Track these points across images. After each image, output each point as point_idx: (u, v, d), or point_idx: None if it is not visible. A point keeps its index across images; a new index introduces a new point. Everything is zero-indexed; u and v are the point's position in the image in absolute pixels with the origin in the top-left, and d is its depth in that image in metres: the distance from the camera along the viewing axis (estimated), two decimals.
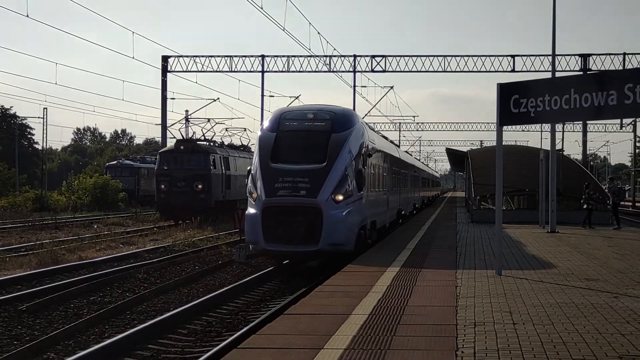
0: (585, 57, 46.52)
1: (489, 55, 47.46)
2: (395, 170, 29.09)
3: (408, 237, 23.01)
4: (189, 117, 53.47)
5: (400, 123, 79.20)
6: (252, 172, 18.46)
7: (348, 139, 18.60)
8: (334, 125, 18.86)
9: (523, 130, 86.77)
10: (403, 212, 32.70)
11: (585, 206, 30.29)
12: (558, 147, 36.66)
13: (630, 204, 68.41)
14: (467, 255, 17.93)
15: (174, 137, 46.58)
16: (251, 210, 17.99)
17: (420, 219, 36.03)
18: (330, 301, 11.20)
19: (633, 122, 74.92)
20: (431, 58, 48.39)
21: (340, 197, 17.69)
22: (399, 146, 39.91)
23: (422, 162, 73.72)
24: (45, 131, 74.75)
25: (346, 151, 18.37)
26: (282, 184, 17.67)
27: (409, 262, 16.07)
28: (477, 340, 8.44)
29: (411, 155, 56.57)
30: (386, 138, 32.74)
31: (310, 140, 18.64)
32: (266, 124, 19.58)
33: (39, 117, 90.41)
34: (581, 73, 41.28)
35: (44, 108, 73.30)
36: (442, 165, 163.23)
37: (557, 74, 30.24)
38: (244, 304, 15.44)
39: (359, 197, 18.58)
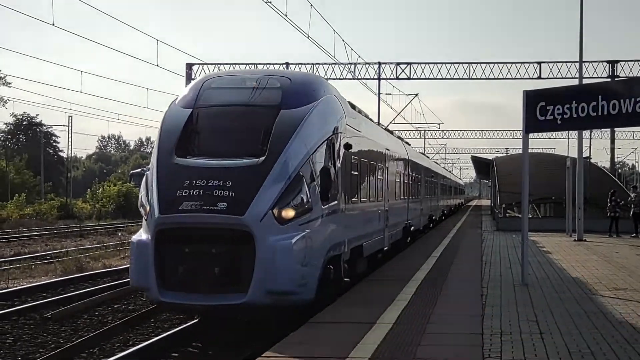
0: (613, 63, 46.10)
1: (515, 62, 47.14)
2: (400, 173, 22.59)
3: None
4: None
5: (425, 130, 78.89)
6: (148, 172, 11.95)
7: (307, 118, 11.85)
8: (285, 98, 12.14)
9: (549, 138, 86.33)
10: (413, 227, 25.11)
11: (609, 214, 30.10)
12: (585, 154, 36.44)
13: None
14: (493, 264, 17.79)
15: None
16: (141, 236, 11.27)
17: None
18: None
19: None
20: (456, 65, 48.17)
21: (290, 213, 10.92)
22: (409, 144, 32.41)
23: (444, 168, 71.23)
24: (70, 139, 75.52)
25: (303, 138, 11.60)
26: (189, 192, 10.91)
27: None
28: (504, 350, 8.33)
29: (428, 157, 47.47)
30: (391, 132, 25.74)
31: (244, 121, 11.91)
32: (181, 96, 12.85)
33: (64, 125, 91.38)
34: (609, 80, 40.92)
35: (69, 116, 73.97)
36: (467, 173, 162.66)
37: (585, 81, 30.03)
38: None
39: (325, 211, 11.83)
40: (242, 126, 11.85)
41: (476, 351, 8.26)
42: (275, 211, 10.80)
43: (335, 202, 12.39)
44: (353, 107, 15.54)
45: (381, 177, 18.13)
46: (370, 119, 18.61)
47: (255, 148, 11.38)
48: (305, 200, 11.17)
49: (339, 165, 12.77)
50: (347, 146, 13.24)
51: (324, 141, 12.09)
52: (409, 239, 24.87)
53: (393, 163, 20.70)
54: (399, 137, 27.47)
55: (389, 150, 19.86)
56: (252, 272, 10.54)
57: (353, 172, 14.13)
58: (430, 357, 8.04)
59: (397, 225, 21.32)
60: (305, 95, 12.37)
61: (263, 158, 11.19)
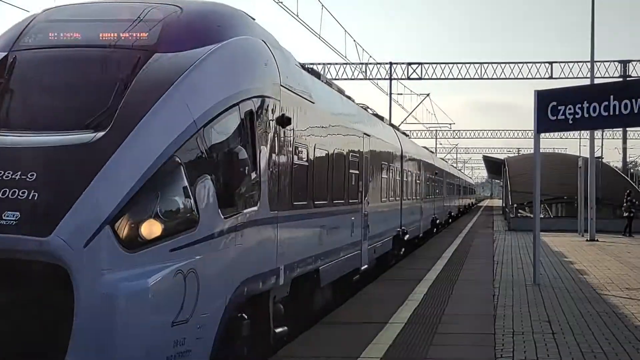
0: (624, 63, 45.92)
1: (526, 62, 47.02)
2: (390, 168, 17.89)
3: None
4: None
5: (436, 130, 78.80)
6: None
7: (197, 66, 7.11)
8: (165, 36, 7.39)
9: (561, 137, 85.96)
10: (408, 235, 20.53)
11: (625, 214, 30.19)
12: (597, 154, 36.36)
13: None
14: (505, 264, 17.77)
15: None
16: None
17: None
18: None
19: None
20: (467, 65, 48.09)
21: (153, 230, 6.19)
22: (406, 134, 27.71)
23: (452, 165, 68.43)
24: None
25: (186, 99, 6.85)
26: None
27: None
28: (516, 350, 8.33)
29: (432, 152, 41.41)
30: (381, 118, 19.57)
31: (87, 73, 7.22)
32: None
33: None
34: (621, 79, 40.78)
35: None
36: (479, 173, 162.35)
37: (596, 81, 29.95)
38: None
39: (230, 223, 7.10)
40: (82, 81, 7.17)
41: (488, 351, 8.27)
42: (120, 226, 6.04)
43: (254, 208, 7.68)
44: (317, 75, 11.95)
45: (355, 171, 13.42)
46: (348, 96, 14.51)
47: (93, 116, 6.65)
48: (183, 205, 6.51)
49: (266, 149, 8.08)
50: (284, 120, 8.59)
51: (231, 107, 7.32)
52: (403, 249, 19.99)
53: (377, 155, 15.95)
54: (391, 125, 22.81)
55: (369, 136, 14.90)
56: (67, 340, 5.74)
57: (298, 162, 9.47)
58: (442, 357, 8.06)
59: (384, 234, 16.96)
60: (201, 32, 7.60)
61: (103, 132, 6.45)
